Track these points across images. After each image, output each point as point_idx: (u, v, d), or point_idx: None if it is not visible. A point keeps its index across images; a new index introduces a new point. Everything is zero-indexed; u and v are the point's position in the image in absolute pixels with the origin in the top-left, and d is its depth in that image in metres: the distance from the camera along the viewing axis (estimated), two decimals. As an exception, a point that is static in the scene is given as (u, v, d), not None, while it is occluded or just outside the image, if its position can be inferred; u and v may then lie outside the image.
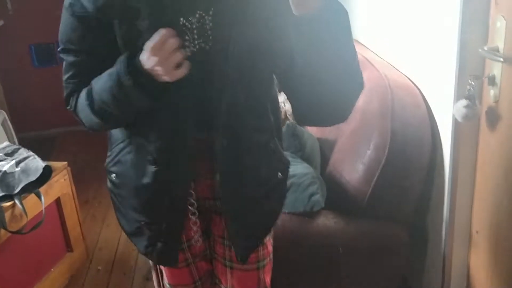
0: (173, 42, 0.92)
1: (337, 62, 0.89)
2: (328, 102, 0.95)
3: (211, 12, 0.98)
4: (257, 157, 1.11)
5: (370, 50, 2.19)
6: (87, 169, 3.17)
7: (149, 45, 0.92)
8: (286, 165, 1.22)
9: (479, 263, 1.53)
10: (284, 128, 1.97)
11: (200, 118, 1.04)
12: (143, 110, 1.02)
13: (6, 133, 3.41)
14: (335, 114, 1.01)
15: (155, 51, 0.92)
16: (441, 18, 1.51)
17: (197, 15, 0.99)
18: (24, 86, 3.90)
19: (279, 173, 1.18)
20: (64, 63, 1.11)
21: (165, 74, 0.94)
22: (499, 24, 1.30)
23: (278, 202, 1.24)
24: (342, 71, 0.90)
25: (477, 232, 1.53)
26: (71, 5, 1.02)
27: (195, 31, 0.99)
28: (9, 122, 3.48)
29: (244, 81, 1.01)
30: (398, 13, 1.88)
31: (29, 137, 3.54)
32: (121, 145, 1.14)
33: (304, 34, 0.84)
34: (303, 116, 1.06)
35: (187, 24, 0.99)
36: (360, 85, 0.97)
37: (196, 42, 1.00)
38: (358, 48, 2.11)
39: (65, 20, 1.06)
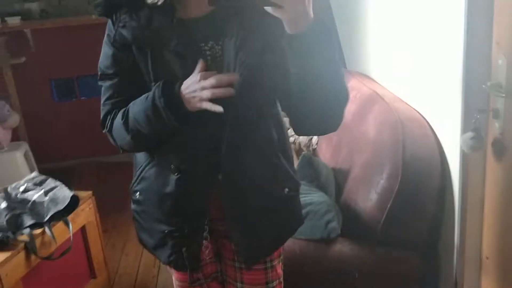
0: (213, 80, 1.06)
1: (324, 74, 1.00)
2: (318, 112, 1.06)
3: (220, 42, 1.12)
4: (258, 169, 1.20)
5: (380, 85, 2.30)
6: (105, 199, 3.24)
7: (200, 75, 1.07)
8: (294, 183, 1.28)
9: (490, 288, 1.60)
10: (299, 159, 2.08)
11: (210, 132, 1.15)
12: (171, 131, 1.14)
13: (28, 164, 3.55)
14: (327, 123, 1.12)
15: (200, 82, 1.06)
16: (447, 56, 1.62)
17: (209, 44, 1.13)
18: (45, 119, 4.05)
19: (286, 189, 1.25)
20: (102, 88, 1.23)
21: (194, 103, 1.08)
22: (500, 62, 1.41)
23: (287, 219, 1.30)
24: (329, 83, 1.02)
25: (487, 258, 1.60)
26: (110, 35, 1.18)
27: (208, 58, 1.13)
28: (30, 153, 3.62)
29: (247, 100, 1.12)
30: (407, 50, 1.99)
31: (49, 168, 3.65)
32: (144, 164, 1.26)
33: (295, 49, 0.96)
34: (298, 125, 1.17)
35: (205, 52, 1.13)
36: (346, 96, 1.07)
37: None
38: (369, 84, 2.24)
39: (105, 49, 1.21)
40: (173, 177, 1.19)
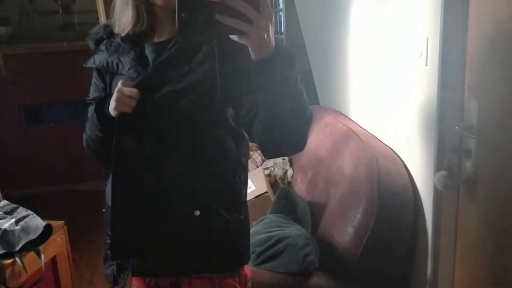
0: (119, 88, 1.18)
1: (288, 96, 1.07)
2: (283, 132, 1.12)
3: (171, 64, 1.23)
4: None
5: (354, 122, 2.38)
6: (72, 229, 3.19)
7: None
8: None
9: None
10: (277, 192, 2.11)
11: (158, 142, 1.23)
12: (102, 135, 1.25)
13: (-6, 192, 3.44)
14: (292, 143, 1.18)
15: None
16: (422, 97, 1.71)
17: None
18: (12, 145, 3.96)
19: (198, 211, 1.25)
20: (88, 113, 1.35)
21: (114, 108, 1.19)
22: (472, 105, 1.50)
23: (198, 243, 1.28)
24: (292, 104, 1.09)
25: (458, 292, 1.66)
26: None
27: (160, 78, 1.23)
28: (-3, 180, 3.52)
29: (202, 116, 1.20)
30: (382, 89, 2.08)
31: (15, 195, 3.55)
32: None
33: (260, 73, 1.03)
34: (265, 147, 1.21)
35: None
36: (309, 118, 1.15)
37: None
38: (344, 120, 2.30)
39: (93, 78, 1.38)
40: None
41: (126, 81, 1.20)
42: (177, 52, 1.21)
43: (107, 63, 1.29)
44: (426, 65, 1.65)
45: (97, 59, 1.32)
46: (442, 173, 1.57)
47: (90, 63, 1.34)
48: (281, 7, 4.25)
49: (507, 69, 1.35)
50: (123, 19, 1.25)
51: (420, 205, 1.77)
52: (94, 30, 1.37)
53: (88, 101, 1.37)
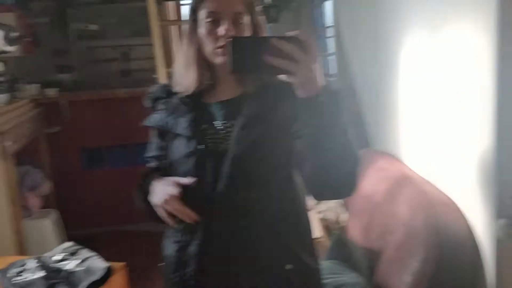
0: (176, 206, 1.23)
1: (333, 134, 1.10)
2: (331, 173, 1.14)
3: (231, 122, 1.28)
4: (255, 250, 1.28)
5: (410, 168, 2.36)
6: (130, 269, 3.27)
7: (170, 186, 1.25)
8: (301, 264, 1.31)
9: None
10: (333, 238, 2.12)
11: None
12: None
13: (57, 231, 3.60)
14: (341, 185, 1.19)
15: (167, 195, 1.23)
16: (480, 141, 1.68)
17: (220, 124, 1.30)
18: (74, 187, 4.15)
19: (288, 266, 1.28)
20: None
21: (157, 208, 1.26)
22: (533, 153, 1.48)
23: None
24: (338, 143, 1.11)
25: None
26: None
27: (209, 138, 1.29)
28: (61, 220, 3.69)
29: (243, 177, 1.24)
30: (439, 132, 2.06)
31: (77, 235, 3.70)
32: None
33: (306, 111, 1.08)
34: (314, 189, 1.24)
35: (205, 132, 1.30)
36: (355, 159, 1.16)
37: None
38: (397, 164, 2.28)
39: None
40: (175, 247, 1.36)
41: (178, 184, 1.24)
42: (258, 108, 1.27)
43: (165, 123, 1.34)
44: (483, 107, 1.64)
45: (154, 119, 1.37)
46: (503, 221, 1.54)
47: (147, 122, 1.40)
48: (331, 51, 4.32)
49: None
50: (187, 79, 1.30)
51: (480, 254, 1.73)
52: (153, 89, 1.43)
53: (147, 158, 1.43)
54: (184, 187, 1.24)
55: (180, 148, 1.30)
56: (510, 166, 1.56)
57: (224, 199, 1.25)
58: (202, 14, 1.26)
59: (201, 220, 1.26)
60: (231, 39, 1.08)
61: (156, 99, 1.41)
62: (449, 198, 1.93)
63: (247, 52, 1.06)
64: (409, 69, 2.32)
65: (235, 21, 1.23)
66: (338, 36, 3.95)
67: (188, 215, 1.22)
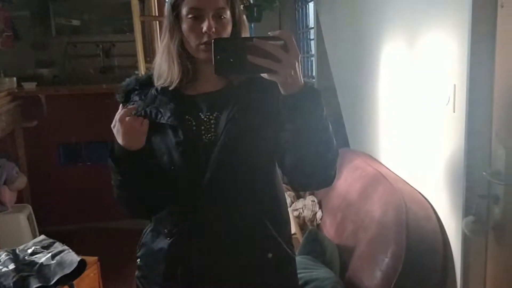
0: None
1: (315, 129, 1.14)
2: (311, 165, 1.18)
3: (215, 114, 1.28)
4: (238, 233, 1.29)
5: (384, 165, 2.40)
6: (105, 266, 3.26)
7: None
8: (283, 252, 1.34)
9: None
10: (305, 234, 2.14)
11: (193, 196, 1.27)
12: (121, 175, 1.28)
13: (30, 226, 3.56)
14: (320, 176, 1.23)
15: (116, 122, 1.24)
16: (450, 142, 1.73)
17: (204, 116, 1.30)
18: (50, 183, 4.10)
19: (270, 254, 1.31)
20: None
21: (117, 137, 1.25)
22: (500, 152, 1.52)
23: (269, 283, 1.34)
24: (319, 137, 1.15)
25: None
26: None
27: (194, 128, 1.28)
28: (33, 216, 3.65)
29: (228, 167, 1.25)
30: (412, 134, 2.11)
31: (51, 231, 3.66)
32: (145, 230, 1.40)
33: (289, 107, 1.11)
34: (293, 179, 1.28)
35: (191, 122, 1.29)
36: (335, 152, 1.20)
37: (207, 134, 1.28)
38: (373, 164, 2.33)
39: None
40: (167, 241, 1.30)
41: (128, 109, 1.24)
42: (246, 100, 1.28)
43: (145, 112, 1.30)
44: (454, 111, 1.68)
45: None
46: (470, 218, 1.57)
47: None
48: (313, 52, 4.37)
49: (533, 117, 1.38)
50: (170, 74, 1.29)
51: (449, 250, 1.76)
52: (125, 82, 1.40)
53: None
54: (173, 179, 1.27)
55: (165, 138, 1.29)
56: (478, 166, 1.59)
57: (212, 188, 1.26)
58: (184, 10, 1.27)
59: (194, 211, 1.27)
60: (213, 40, 1.09)
61: (129, 92, 1.38)
62: (421, 196, 1.97)
63: (229, 53, 1.08)
64: (387, 73, 2.36)
65: (217, 17, 1.25)
66: (319, 38, 4.00)
67: (139, 121, 1.24)
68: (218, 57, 1.07)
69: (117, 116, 1.24)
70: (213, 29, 1.22)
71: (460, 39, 1.61)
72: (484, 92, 1.57)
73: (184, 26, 1.26)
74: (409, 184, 2.08)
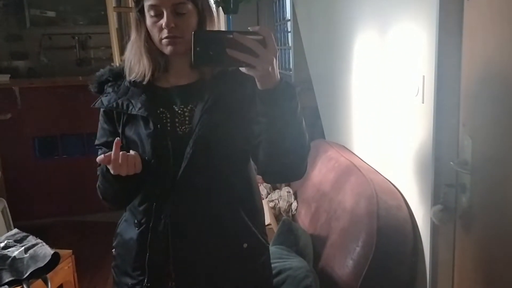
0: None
1: (289, 124, 1.17)
2: (284, 158, 1.22)
3: (189, 107, 1.30)
4: (213, 224, 1.31)
5: (357, 156, 2.44)
6: (82, 259, 3.24)
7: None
8: (257, 242, 1.38)
9: None
10: (279, 224, 2.16)
11: (166, 187, 1.29)
12: (120, 187, 1.29)
13: (5, 221, 3.51)
14: (292, 170, 1.27)
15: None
16: (419, 134, 1.76)
17: (178, 109, 1.31)
18: (25, 176, 4.05)
19: (245, 244, 1.34)
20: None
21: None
22: (466, 143, 1.55)
23: (245, 276, 1.37)
24: (293, 132, 1.18)
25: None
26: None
27: (169, 120, 1.30)
28: (8, 210, 3.59)
29: (203, 160, 1.27)
30: (383, 125, 2.14)
31: (26, 225, 3.62)
32: (119, 220, 1.43)
33: (265, 102, 1.13)
34: (266, 172, 1.31)
35: (165, 115, 1.30)
36: (307, 146, 1.25)
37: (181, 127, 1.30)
38: (347, 154, 2.35)
39: (100, 121, 1.40)
40: (136, 231, 1.33)
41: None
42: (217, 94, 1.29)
43: (117, 104, 1.31)
44: (423, 102, 1.71)
45: (105, 100, 1.34)
46: (438, 207, 1.60)
47: (98, 104, 1.36)
48: (290, 45, 4.38)
49: (498, 107, 1.41)
50: (142, 68, 1.30)
51: (419, 238, 1.80)
52: (99, 73, 1.40)
53: (97, 146, 1.39)
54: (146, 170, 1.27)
55: (137, 130, 1.30)
56: (445, 157, 1.63)
57: (186, 181, 1.27)
58: (145, 6, 1.28)
59: (164, 202, 1.29)
60: (193, 32, 1.10)
61: (102, 83, 1.39)
62: (392, 186, 2.00)
63: (209, 46, 1.09)
64: (360, 65, 2.38)
65: (177, 12, 1.25)
66: (295, 31, 4.01)
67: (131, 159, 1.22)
68: (198, 49, 1.09)
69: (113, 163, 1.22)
70: (172, 25, 1.23)
71: (429, 31, 1.64)
72: (452, 84, 1.60)
73: (147, 22, 1.28)
74: (381, 174, 2.12)
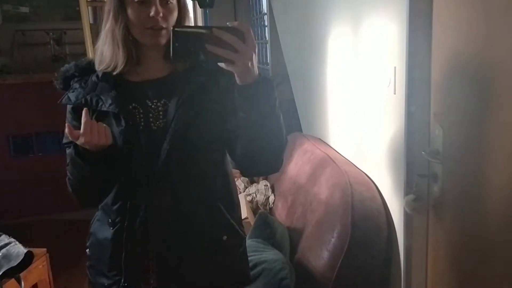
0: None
1: (267, 119, 1.17)
2: (261, 152, 1.22)
3: (163, 101, 1.28)
4: (191, 217, 1.30)
5: (333, 148, 2.45)
6: (58, 257, 3.20)
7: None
8: (235, 233, 1.38)
9: None
10: (256, 217, 2.16)
11: (142, 182, 1.27)
12: (90, 172, 1.25)
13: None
14: (269, 163, 1.27)
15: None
16: (391, 124, 1.77)
17: (152, 104, 1.29)
18: (0, 175, 3.98)
19: (224, 237, 1.34)
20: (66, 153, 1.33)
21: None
22: (437, 132, 1.57)
23: (225, 269, 1.36)
24: (271, 126, 1.19)
25: (431, 315, 1.69)
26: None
27: (142, 115, 1.28)
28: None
29: (179, 153, 1.25)
30: (356, 117, 2.15)
31: (1, 224, 3.56)
32: (93, 219, 1.40)
33: (244, 97, 1.13)
34: (244, 166, 1.31)
35: (137, 110, 1.28)
36: (285, 140, 1.25)
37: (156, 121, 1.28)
38: (322, 147, 2.36)
39: (67, 118, 1.34)
40: (111, 230, 1.30)
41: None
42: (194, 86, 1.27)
43: (85, 100, 1.27)
44: (395, 93, 1.72)
45: (73, 96, 1.29)
46: (411, 196, 1.62)
47: (65, 100, 1.31)
48: (267, 39, 4.37)
49: (468, 97, 1.42)
50: (115, 58, 1.26)
51: (393, 228, 1.81)
52: (63, 68, 1.36)
53: (65, 145, 1.33)
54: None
55: (110, 126, 1.25)
56: (417, 147, 1.64)
57: (162, 176, 1.25)
58: None
59: (139, 199, 1.27)
60: (172, 28, 1.10)
61: (68, 78, 1.35)
62: (366, 177, 2.01)
63: (188, 41, 1.08)
64: (334, 58, 2.39)
65: (164, 3, 1.24)
66: (272, 25, 4.00)
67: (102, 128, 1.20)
68: (176, 44, 1.08)
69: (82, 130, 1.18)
70: (161, 14, 1.22)
71: (400, 22, 1.64)
72: (422, 74, 1.61)
73: (130, 11, 1.24)
74: (355, 166, 2.13)
